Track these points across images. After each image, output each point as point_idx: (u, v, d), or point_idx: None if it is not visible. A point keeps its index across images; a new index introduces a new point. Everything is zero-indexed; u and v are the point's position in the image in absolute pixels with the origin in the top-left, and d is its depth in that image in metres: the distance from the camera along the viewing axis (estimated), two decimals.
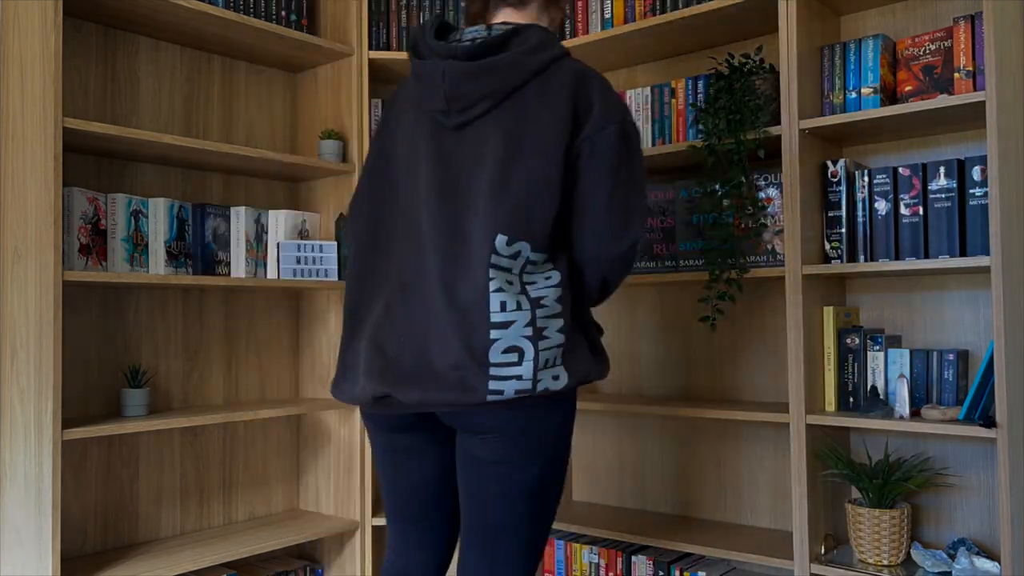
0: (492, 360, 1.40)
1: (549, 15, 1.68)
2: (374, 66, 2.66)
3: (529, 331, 1.42)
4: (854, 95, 2.11)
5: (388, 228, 1.55)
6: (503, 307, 1.41)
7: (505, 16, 1.63)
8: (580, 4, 2.59)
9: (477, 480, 1.50)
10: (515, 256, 1.43)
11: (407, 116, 1.57)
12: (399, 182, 1.56)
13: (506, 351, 1.40)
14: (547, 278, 1.47)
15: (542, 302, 1.45)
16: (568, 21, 2.61)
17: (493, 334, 1.40)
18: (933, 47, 2.05)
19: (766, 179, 2.26)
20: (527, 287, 1.44)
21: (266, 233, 2.42)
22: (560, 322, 1.46)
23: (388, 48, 2.66)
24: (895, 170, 2.06)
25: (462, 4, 2.71)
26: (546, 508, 1.53)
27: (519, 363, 1.41)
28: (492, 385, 1.39)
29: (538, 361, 1.42)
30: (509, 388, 1.40)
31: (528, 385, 1.41)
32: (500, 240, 1.42)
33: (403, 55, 2.60)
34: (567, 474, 1.58)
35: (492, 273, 1.41)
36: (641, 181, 1.54)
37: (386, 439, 1.61)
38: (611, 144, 1.49)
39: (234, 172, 2.53)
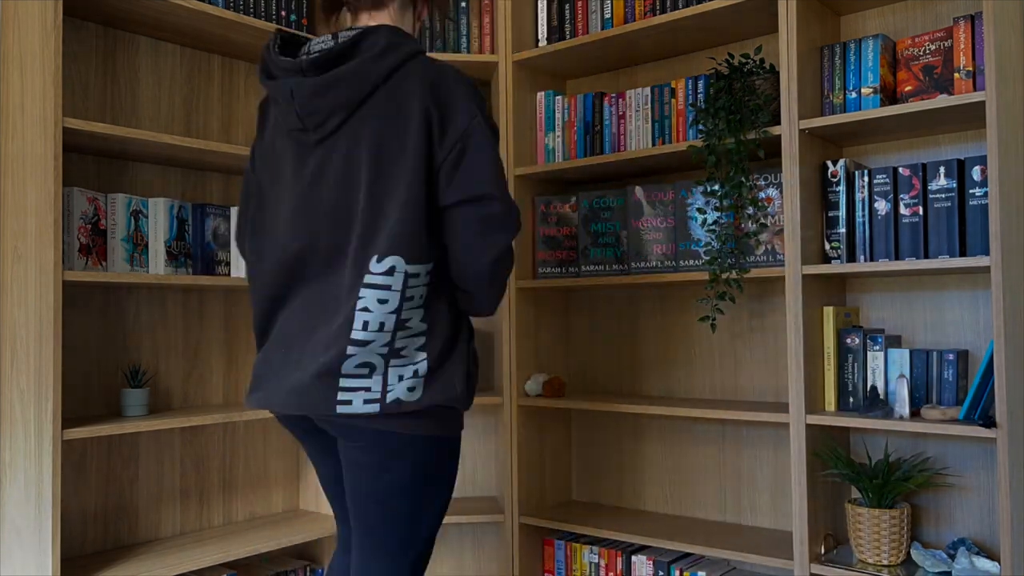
0: (343, 372, 1.44)
1: (416, 13, 1.63)
2: None
3: (385, 349, 1.44)
4: (854, 95, 2.11)
5: (271, 250, 1.55)
6: (365, 326, 1.43)
7: (364, 20, 1.58)
8: (580, 4, 2.59)
9: (350, 481, 1.54)
10: (390, 272, 1.43)
11: (277, 139, 1.56)
12: (275, 201, 1.55)
13: (359, 366, 1.44)
14: (421, 296, 1.47)
15: (407, 323, 1.46)
16: (567, 21, 2.62)
17: (349, 350, 1.43)
18: (933, 47, 2.05)
19: (766, 179, 2.26)
20: (404, 303, 1.45)
21: None
22: (421, 340, 1.47)
23: None
24: (895, 170, 2.06)
25: (462, 4, 2.71)
26: (416, 513, 1.54)
27: (368, 376, 1.44)
28: (340, 396, 1.44)
29: (387, 376, 1.45)
30: (357, 400, 1.44)
31: (376, 397, 1.45)
32: (373, 259, 1.43)
33: None
34: (450, 492, 1.60)
35: (362, 292, 1.43)
36: (500, 185, 1.49)
37: (303, 442, 1.67)
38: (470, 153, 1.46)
39: (234, 172, 2.53)
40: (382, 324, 1.43)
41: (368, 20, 1.58)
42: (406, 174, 1.43)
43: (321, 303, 1.49)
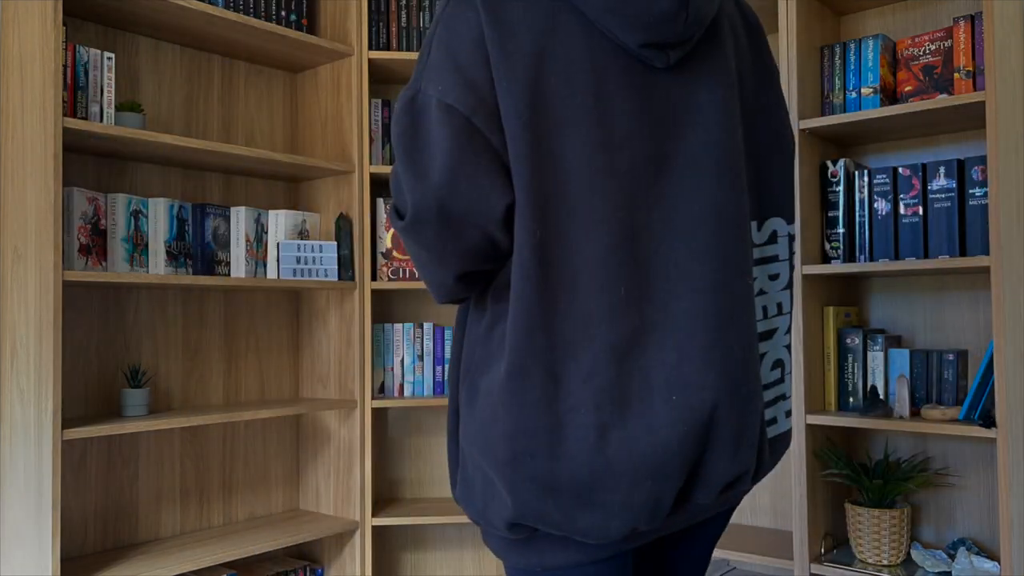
0: None
1: None
2: (374, 66, 2.66)
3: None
4: (854, 95, 2.11)
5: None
6: None
7: None
8: None
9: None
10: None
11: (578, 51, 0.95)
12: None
13: None
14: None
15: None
16: None
17: None
18: (933, 47, 2.05)
19: None
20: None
21: (266, 233, 2.42)
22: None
23: (388, 48, 2.65)
24: (895, 170, 2.06)
25: None
26: None
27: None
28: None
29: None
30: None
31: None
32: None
33: (403, 55, 2.59)
34: None
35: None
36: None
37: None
38: None
39: (234, 172, 2.53)
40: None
41: None
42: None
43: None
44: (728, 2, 1.07)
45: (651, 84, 0.96)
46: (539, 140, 0.92)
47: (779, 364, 1.11)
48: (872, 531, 2.02)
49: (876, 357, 2.09)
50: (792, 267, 1.14)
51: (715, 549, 2.24)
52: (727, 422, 0.94)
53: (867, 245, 2.09)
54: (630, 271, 0.93)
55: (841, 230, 2.12)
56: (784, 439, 1.12)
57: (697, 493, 0.97)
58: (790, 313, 1.18)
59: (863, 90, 2.09)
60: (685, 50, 0.97)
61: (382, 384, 2.66)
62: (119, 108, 2.14)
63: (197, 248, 2.28)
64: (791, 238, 1.13)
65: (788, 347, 1.17)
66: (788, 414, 1.12)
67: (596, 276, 0.93)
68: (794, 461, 2.08)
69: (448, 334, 2.71)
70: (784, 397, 1.11)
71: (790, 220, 1.13)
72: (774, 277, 1.10)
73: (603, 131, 0.93)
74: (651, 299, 0.94)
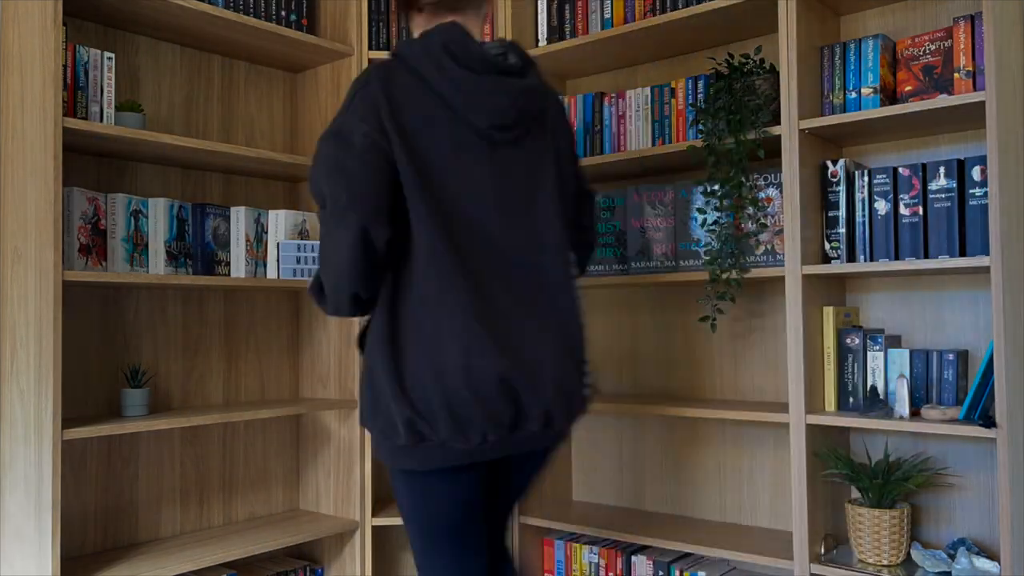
0: None
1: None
2: None
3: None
4: (854, 95, 2.11)
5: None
6: None
7: (449, 18, 1.57)
8: (580, 4, 2.59)
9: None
10: None
11: (440, 128, 1.50)
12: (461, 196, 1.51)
13: None
14: None
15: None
16: (567, 21, 2.62)
17: None
18: (933, 47, 2.05)
19: (766, 179, 2.26)
20: None
21: (266, 233, 2.42)
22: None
23: (388, 48, 2.65)
24: (895, 170, 2.06)
25: None
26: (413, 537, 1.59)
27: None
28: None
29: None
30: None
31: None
32: None
33: None
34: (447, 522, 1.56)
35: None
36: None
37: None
38: None
39: (234, 172, 2.53)
40: None
41: (464, 21, 1.58)
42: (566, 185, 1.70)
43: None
44: (553, 97, 1.64)
45: (494, 152, 1.51)
46: (417, 181, 1.46)
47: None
48: (872, 531, 2.02)
49: (876, 357, 2.09)
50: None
51: (715, 549, 2.25)
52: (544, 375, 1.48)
53: (867, 245, 2.09)
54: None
55: (841, 230, 2.12)
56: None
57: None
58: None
59: (863, 90, 2.09)
60: (517, 132, 1.53)
61: None
62: (119, 108, 2.14)
63: (197, 248, 2.28)
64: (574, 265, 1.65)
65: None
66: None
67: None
68: (794, 461, 2.08)
69: None
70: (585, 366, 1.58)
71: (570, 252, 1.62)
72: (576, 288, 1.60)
73: (457, 181, 1.48)
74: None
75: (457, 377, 1.39)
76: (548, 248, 1.54)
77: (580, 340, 1.54)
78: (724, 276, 2.23)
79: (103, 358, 2.26)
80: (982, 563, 1.95)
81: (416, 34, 1.61)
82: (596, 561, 2.55)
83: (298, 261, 2.41)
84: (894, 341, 2.16)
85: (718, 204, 2.24)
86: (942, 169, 1.99)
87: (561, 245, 1.56)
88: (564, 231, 1.58)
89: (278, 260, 2.40)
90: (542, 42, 2.68)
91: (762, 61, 2.26)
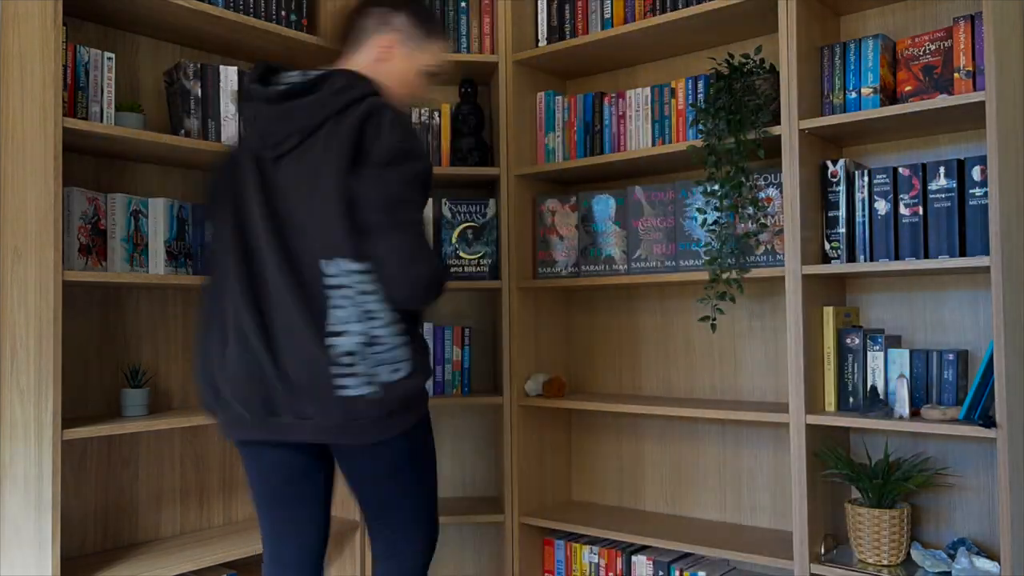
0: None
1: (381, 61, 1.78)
2: None
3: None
4: (854, 95, 2.11)
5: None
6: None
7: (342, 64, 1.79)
8: (580, 4, 2.59)
9: None
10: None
11: (240, 154, 1.70)
12: (242, 212, 1.67)
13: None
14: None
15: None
16: (567, 21, 2.61)
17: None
18: (933, 47, 2.05)
19: (766, 179, 2.26)
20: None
21: None
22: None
23: None
24: (895, 170, 2.06)
25: (462, 4, 2.71)
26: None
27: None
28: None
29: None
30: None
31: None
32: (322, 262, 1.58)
33: None
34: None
35: (326, 292, 1.56)
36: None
37: None
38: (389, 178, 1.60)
39: None
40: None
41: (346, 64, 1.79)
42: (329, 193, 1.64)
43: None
44: (352, 111, 1.61)
45: (270, 169, 1.64)
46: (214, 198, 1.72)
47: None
48: (872, 531, 2.02)
49: (876, 357, 2.09)
50: (363, 293, 1.58)
51: (715, 549, 2.25)
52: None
53: (867, 245, 2.09)
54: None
55: (841, 230, 2.12)
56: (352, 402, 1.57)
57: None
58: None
59: (863, 90, 2.09)
60: (287, 148, 1.62)
61: None
62: (119, 108, 2.14)
63: (197, 248, 2.28)
64: (359, 272, 1.57)
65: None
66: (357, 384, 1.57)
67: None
68: (794, 461, 2.08)
69: (448, 334, 2.72)
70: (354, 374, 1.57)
71: (356, 259, 1.57)
72: (347, 297, 1.57)
73: (238, 198, 1.64)
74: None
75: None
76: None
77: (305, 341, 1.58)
78: (724, 276, 2.23)
79: (103, 358, 2.26)
80: (982, 563, 1.95)
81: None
82: (596, 561, 2.55)
83: None
84: (894, 341, 2.16)
85: (718, 204, 2.24)
86: (942, 169, 1.99)
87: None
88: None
89: None
90: (542, 42, 2.68)
91: (762, 61, 2.26)
